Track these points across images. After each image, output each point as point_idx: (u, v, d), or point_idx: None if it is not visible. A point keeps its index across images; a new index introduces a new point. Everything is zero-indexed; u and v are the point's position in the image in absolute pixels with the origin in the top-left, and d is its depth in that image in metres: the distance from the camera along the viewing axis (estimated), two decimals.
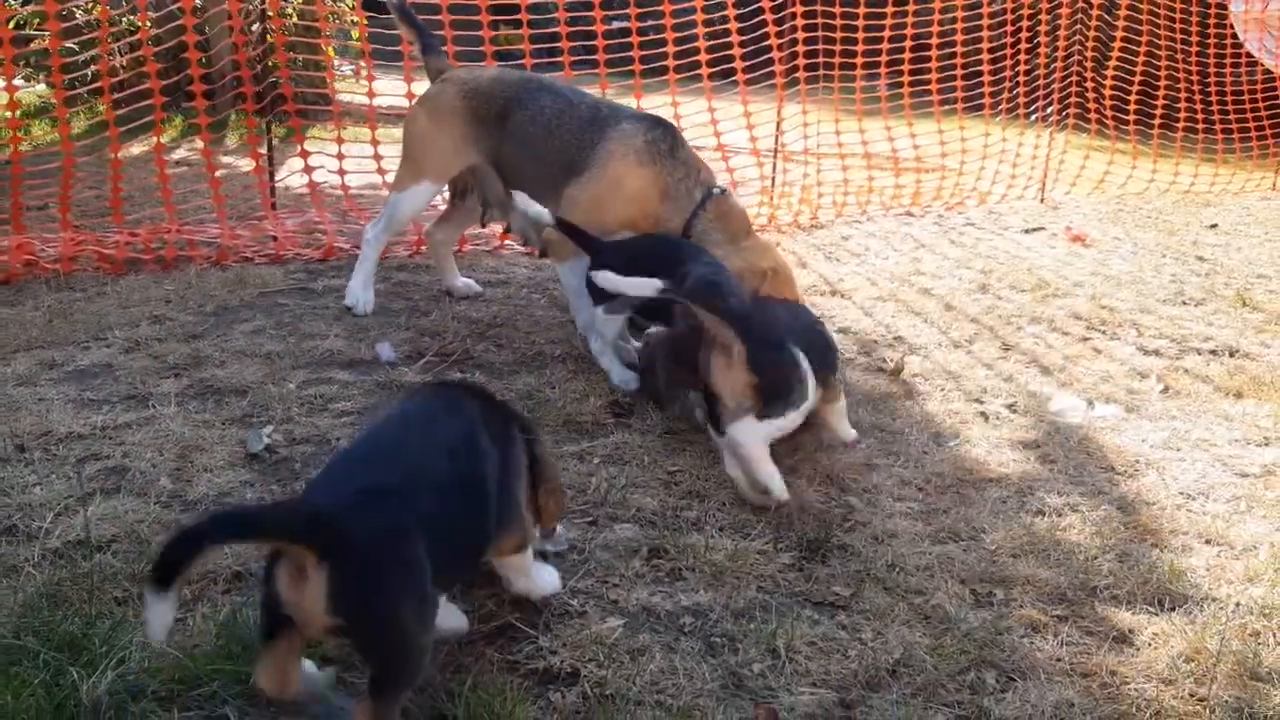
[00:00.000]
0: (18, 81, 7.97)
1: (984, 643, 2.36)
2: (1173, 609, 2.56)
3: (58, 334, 4.03)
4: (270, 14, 5.95)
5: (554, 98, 4.12)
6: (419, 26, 4.55)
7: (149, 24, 5.64)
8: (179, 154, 7.95)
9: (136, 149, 7.23)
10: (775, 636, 2.31)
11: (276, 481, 2.92)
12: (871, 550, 2.73)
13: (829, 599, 2.51)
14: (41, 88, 9.20)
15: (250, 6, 6.29)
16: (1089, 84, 9.18)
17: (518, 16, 6.41)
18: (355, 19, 9.57)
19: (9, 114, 5.32)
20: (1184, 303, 5.33)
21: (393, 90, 5.81)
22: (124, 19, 7.33)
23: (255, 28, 7.03)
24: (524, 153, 4.11)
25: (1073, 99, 9.08)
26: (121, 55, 6.95)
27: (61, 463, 2.98)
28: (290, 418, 3.34)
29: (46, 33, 7.37)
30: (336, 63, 9.02)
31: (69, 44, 5.94)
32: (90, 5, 6.94)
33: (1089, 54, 9.10)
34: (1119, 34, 9.22)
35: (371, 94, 5.78)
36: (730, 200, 4.02)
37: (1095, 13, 9.12)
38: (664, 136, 4.00)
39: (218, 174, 6.02)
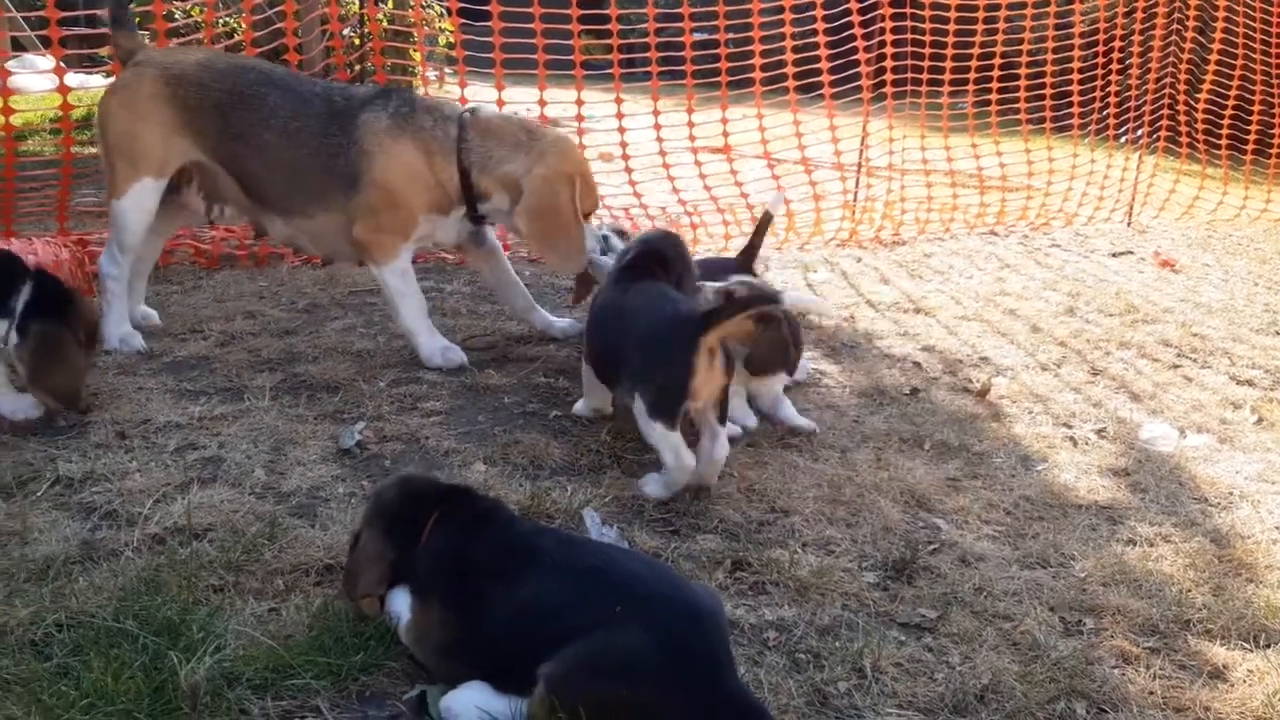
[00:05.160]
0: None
1: (1074, 672, 2.31)
2: (1268, 646, 2.49)
3: (156, 325, 4.14)
4: (368, 19, 6.06)
5: (282, 94, 3.80)
6: None
7: (250, 26, 5.76)
8: None
9: None
10: (862, 655, 2.29)
11: (368, 477, 2.97)
12: (958, 573, 2.70)
13: (915, 620, 2.49)
14: None
15: (347, 11, 6.41)
16: (1180, 107, 9.00)
17: (607, 27, 6.45)
18: (444, 26, 9.72)
19: None
20: (1277, 333, 5.20)
21: (484, 97, 5.88)
22: (221, 21, 7.52)
23: (346, 33, 7.16)
24: (266, 162, 3.81)
25: (1164, 122, 8.90)
26: None
27: (160, 451, 3.06)
28: (381, 415, 3.40)
29: (148, 31, 7.59)
30: (418, 68, 9.15)
31: (171, 45, 6.09)
32: (192, 7, 7.11)
33: (1182, 76, 8.92)
34: (1213, 57, 9.01)
35: (464, 100, 5.85)
36: (483, 114, 3.83)
37: (1190, 35, 8.93)
38: (402, 103, 3.81)
39: None
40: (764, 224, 4.34)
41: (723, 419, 2.99)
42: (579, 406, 3.53)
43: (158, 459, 3.01)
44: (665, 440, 2.92)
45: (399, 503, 2.34)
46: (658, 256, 3.38)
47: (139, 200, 3.87)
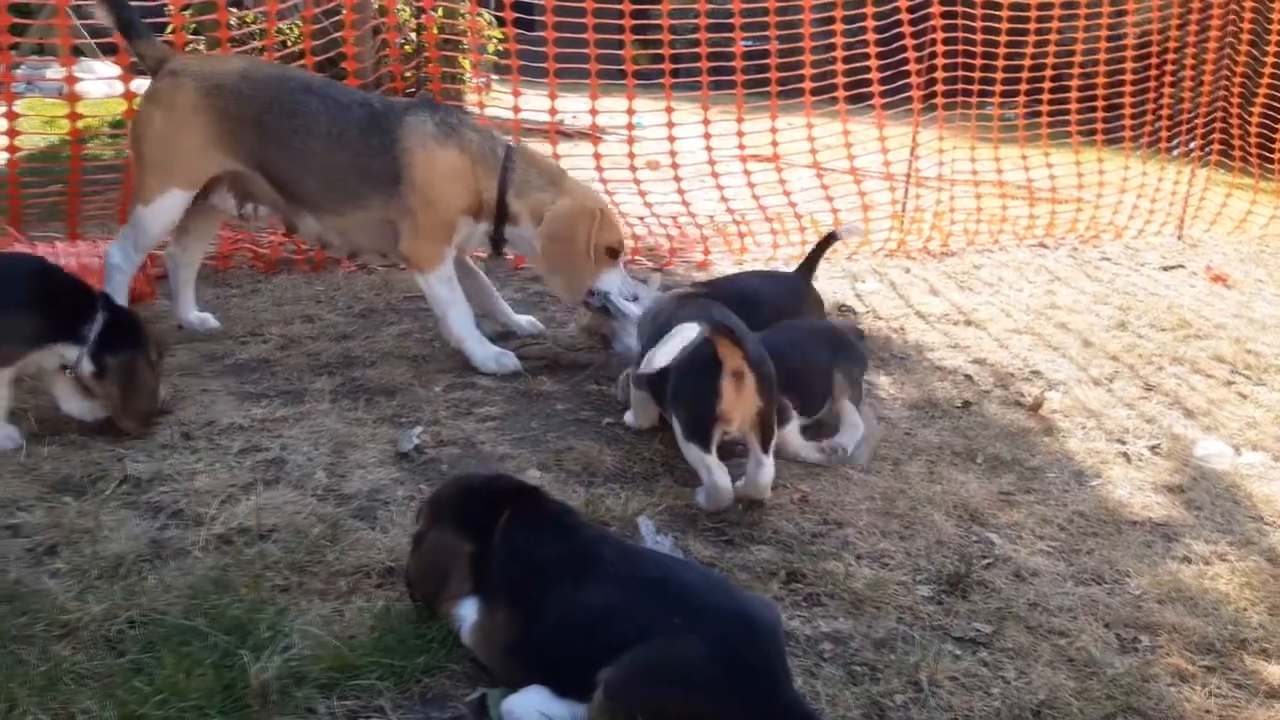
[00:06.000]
0: None
1: (1130, 689, 2.32)
2: None
3: (215, 329, 4.22)
4: (426, 28, 6.13)
5: (321, 101, 3.88)
6: (120, 7, 3.98)
7: (309, 35, 5.84)
8: None
9: None
10: (918, 669, 2.31)
11: (426, 481, 3.02)
12: (1013, 588, 2.70)
13: (970, 635, 2.50)
14: None
15: (402, 22, 6.48)
16: (1234, 120, 8.89)
17: (658, 37, 6.49)
18: (491, 34, 9.79)
19: None
20: None
21: (537, 105, 5.94)
22: (276, 30, 7.62)
23: (398, 41, 7.24)
24: (305, 164, 3.87)
25: (1216, 134, 8.80)
26: None
27: (225, 452, 3.13)
28: (437, 420, 3.45)
29: (205, 39, 7.71)
30: (468, 75, 9.23)
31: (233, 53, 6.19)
32: (246, 15, 7.24)
33: (1235, 89, 8.81)
34: (1267, 69, 8.89)
35: (517, 109, 5.91)
36: (530, 148, 4.08)
37: (1244, 47, 8.82)
38: (448, 113, 3.97)
39: None
40: (826, 242, 4.48)
41: (765, 443, 2.95)
42: (629, 417, 3.56)
43: (222, 460, 3.07)
44: (700, 461, 2.93)
45: (471, 499, 2.38)
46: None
47: (165, 209, 3.94)
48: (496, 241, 3.99)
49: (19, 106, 5.09)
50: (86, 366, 3.15)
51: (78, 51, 9.26)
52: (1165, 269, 6.87)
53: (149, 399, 3.26)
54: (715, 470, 2.91)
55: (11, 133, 4.94)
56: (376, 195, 3.86)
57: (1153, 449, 3.72)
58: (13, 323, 3.05)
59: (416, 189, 3.83)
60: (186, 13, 7.65)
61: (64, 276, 3.28)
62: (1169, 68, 8.49)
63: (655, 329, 3.25)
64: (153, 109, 3.92)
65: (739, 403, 2.87)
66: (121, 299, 3.97)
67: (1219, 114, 8.75)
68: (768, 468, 2.97)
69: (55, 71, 9.84)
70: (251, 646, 2.17)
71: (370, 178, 3.85)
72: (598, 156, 6.35)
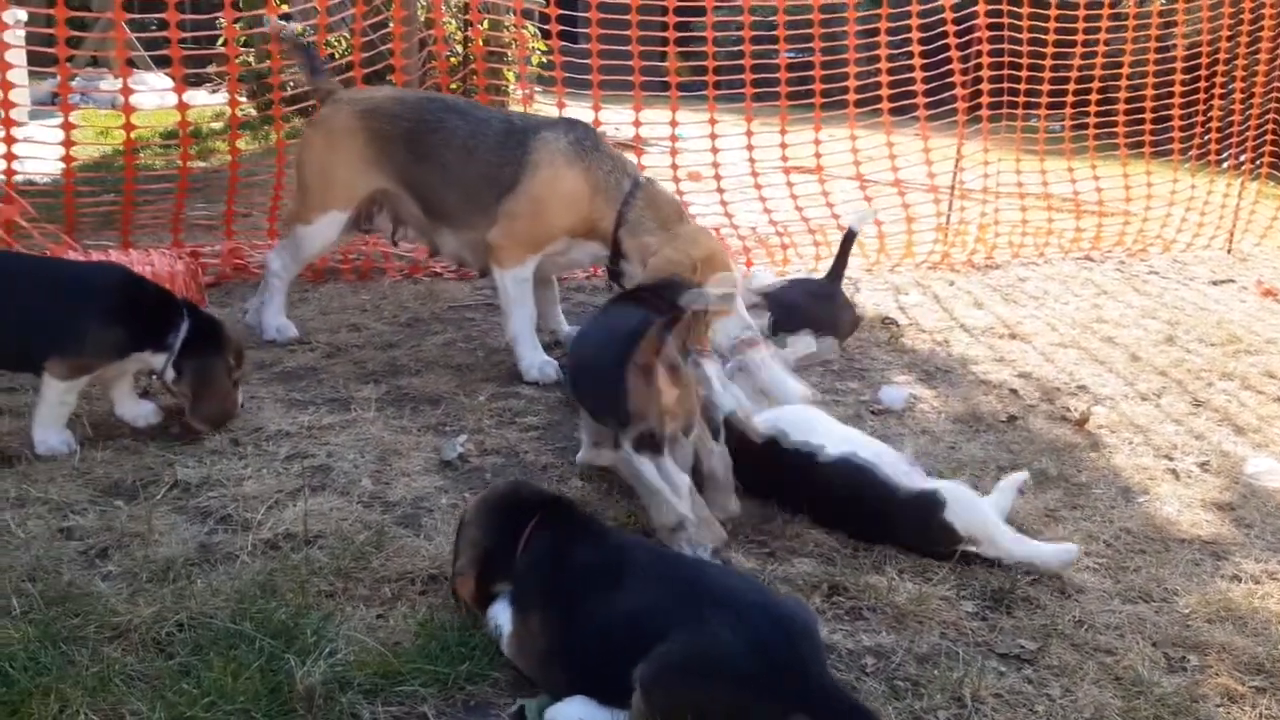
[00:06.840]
0: (215, 97, 8.44)
1: (1178, 709, 2.28)
2: None
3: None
4: (472, 40, 6.19)
5: (462, 118, 4.04)
6: (307, 51, 4.48)
7: (358, 47, 5.92)
8: None
9: None
10: (961, 685, 2.29)
11: (469, 489, 3.04)
12: (1058, 605, 2.67)
13: (1014, 651, 2.47)
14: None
15: (450, 33, 6.54)
16: None
17: (702, 49, 6.50)
18: (535, 45, 9.84)
19: (216, 126, 5.66)
20: None
21: (581, 116, 5.96)
22: (326, 41, 7.72)
23: (446, 55, 7.30)
24: (444, 178, 4.02)
25: (1267, 147, 8.68)
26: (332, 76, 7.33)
27: (272, 458, 3.17)
28: (481, 429, 3.48)
29: (253, 50, 7.83)
30: (513, 87, 9.29)
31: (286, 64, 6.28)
32: (296, 29, 7.32)
33: None
34: None
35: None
36: (657, 188, 4.04)
37: None
38: (586, 135, 4.01)
39: None
40: (848, 241, 4.73)
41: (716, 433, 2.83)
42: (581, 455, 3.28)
43: (269, 466, 3.11)
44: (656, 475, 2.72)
45: (502, 502, 2.43)
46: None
47: (324, 230, 4.19)
48: (614, 274, 4.02)
49: (73, 118, 5.18)
50: (170, 374, 3.22)
51: (130, 63, 9.46)
52: (1215, 283, 6.78)
53: (220, 402, 3.31)
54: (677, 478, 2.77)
55: (67, 143, 5.04)
56: (499, 205, 3.94)
57: (1202, 465, 3.67)
58: (100, 333, 3.11)
59: (528, 197, 3.90)
60: (238, 25, 7.77)
61: (149, 285, 3.33)
62: (1218, 79, 8.38)
63: None
64: (314, 133, 4.22)
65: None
66: (279, 302, 4.25)
67: (1270, 126, 8.62)
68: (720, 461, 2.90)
69: (109, 83, 10.04)
70: (297, 651, 2.20)
71: (498, 187, 3.94)
72: (641, 168, 6.34)
